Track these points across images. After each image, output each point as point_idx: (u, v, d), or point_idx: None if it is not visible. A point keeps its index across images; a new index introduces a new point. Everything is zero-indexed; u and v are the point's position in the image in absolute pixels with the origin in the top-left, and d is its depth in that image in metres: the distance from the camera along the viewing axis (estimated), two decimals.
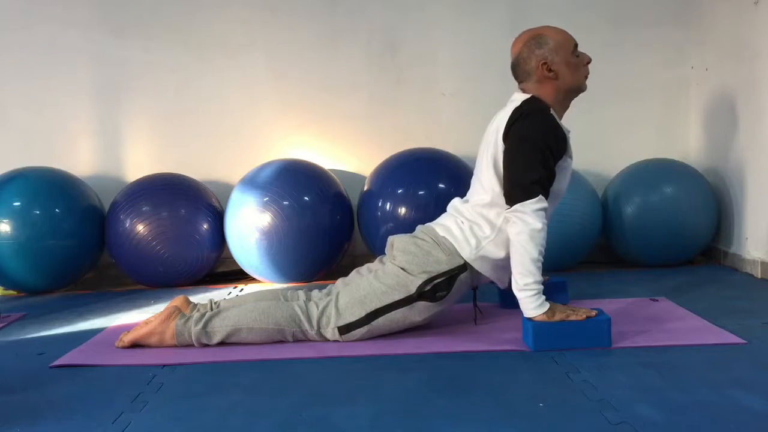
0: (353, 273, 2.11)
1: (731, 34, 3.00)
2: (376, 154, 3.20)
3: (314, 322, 1.97)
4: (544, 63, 1.98)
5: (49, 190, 2.92)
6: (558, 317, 1.83)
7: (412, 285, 1.96)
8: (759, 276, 2.76)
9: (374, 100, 3.39)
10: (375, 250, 3.04)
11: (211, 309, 2.05)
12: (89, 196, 3.06)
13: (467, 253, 1.97)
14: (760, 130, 2.78)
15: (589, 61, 2.05)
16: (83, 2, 3.31)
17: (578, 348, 1.81)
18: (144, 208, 2.91)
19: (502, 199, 1.95)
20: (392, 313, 1.97)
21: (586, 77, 2.07)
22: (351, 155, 3.37)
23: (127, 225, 2.90)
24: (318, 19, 3.36)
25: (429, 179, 2.93)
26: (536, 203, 1.87)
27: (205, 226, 2.97)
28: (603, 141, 3.41)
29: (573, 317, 1.83)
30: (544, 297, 1.85)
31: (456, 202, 2.13)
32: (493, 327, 2.07)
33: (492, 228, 1.98)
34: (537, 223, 1.86)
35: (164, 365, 1.82)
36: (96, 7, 3.31)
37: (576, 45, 2.04)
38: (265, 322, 1.96)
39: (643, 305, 2.30)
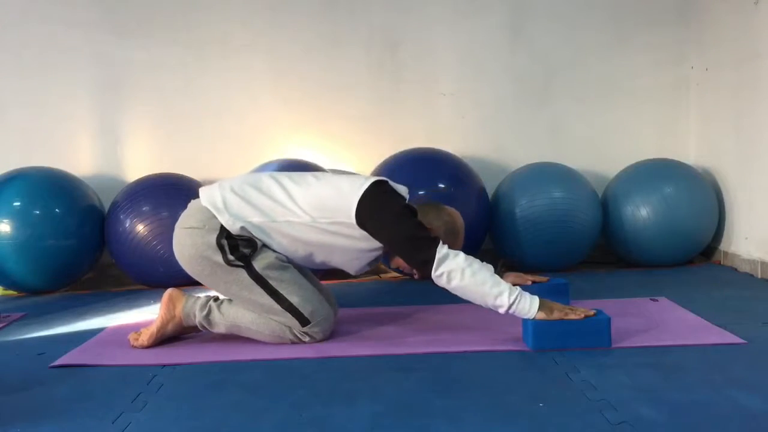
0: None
1: (731, 34, 3.00)
2: (376, 154, 3.20)
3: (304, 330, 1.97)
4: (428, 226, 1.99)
5: (49, 190, 2.92)
6: (557, 315, 1.82)
7: (225, 260, 1.93)
8: (759, 276, 2.76)
9: (374, 100, 3.39)
10: None
11: (215, 300, 2.04)
12: (89, 196, 3.06)
13: (225, 220, 1.94)
14: (760, 130, 2.78)
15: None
16: (83, 2, 3.31)
17: (578, 348, 1.81)
18: (144, 208, 2.91)
19: (307, 218, 1.93)
20: (272, 284, 1.93)
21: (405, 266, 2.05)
22: (351, 155, 3.37)
23: (127, 225, 2.90)
24: (318, 19, 3.36)
25: (429, 179, 2.93)
26: (443, 245, 1.85)
27: None
28: (603, 141, 3.41)
29: (572, 315, 1.82)
30: (527, 294, 1.83)
31: (269, 181, 2.01)
32: (493, 327, 2.07)
33: (271, 220, 1.94)
34: (459, 256, 1.84)
35: (164, 365, 1.82)
36: (96, 7, 3.31)
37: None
38: (262, 327, 1.96)
39: (642, 305, 2.30)
